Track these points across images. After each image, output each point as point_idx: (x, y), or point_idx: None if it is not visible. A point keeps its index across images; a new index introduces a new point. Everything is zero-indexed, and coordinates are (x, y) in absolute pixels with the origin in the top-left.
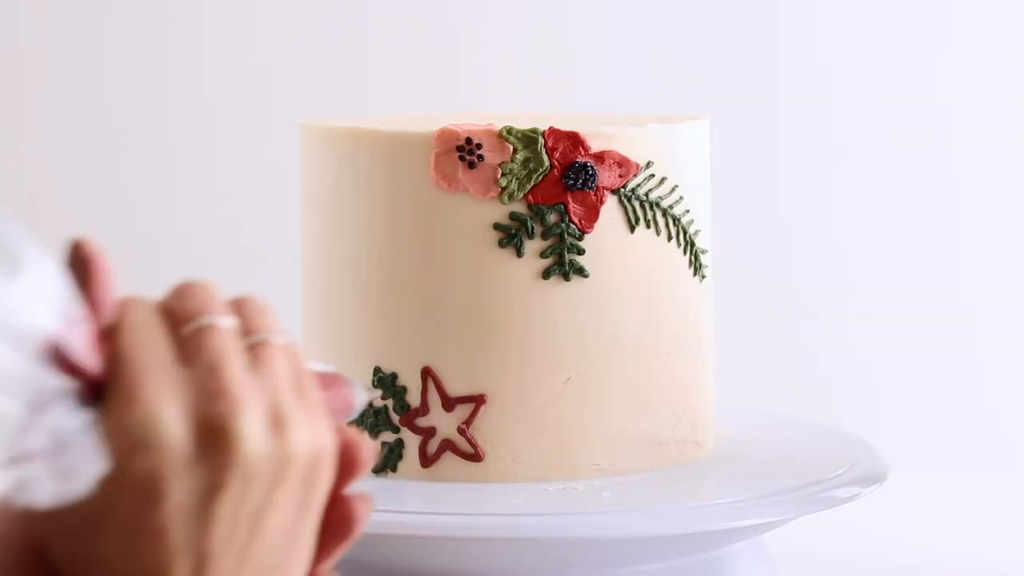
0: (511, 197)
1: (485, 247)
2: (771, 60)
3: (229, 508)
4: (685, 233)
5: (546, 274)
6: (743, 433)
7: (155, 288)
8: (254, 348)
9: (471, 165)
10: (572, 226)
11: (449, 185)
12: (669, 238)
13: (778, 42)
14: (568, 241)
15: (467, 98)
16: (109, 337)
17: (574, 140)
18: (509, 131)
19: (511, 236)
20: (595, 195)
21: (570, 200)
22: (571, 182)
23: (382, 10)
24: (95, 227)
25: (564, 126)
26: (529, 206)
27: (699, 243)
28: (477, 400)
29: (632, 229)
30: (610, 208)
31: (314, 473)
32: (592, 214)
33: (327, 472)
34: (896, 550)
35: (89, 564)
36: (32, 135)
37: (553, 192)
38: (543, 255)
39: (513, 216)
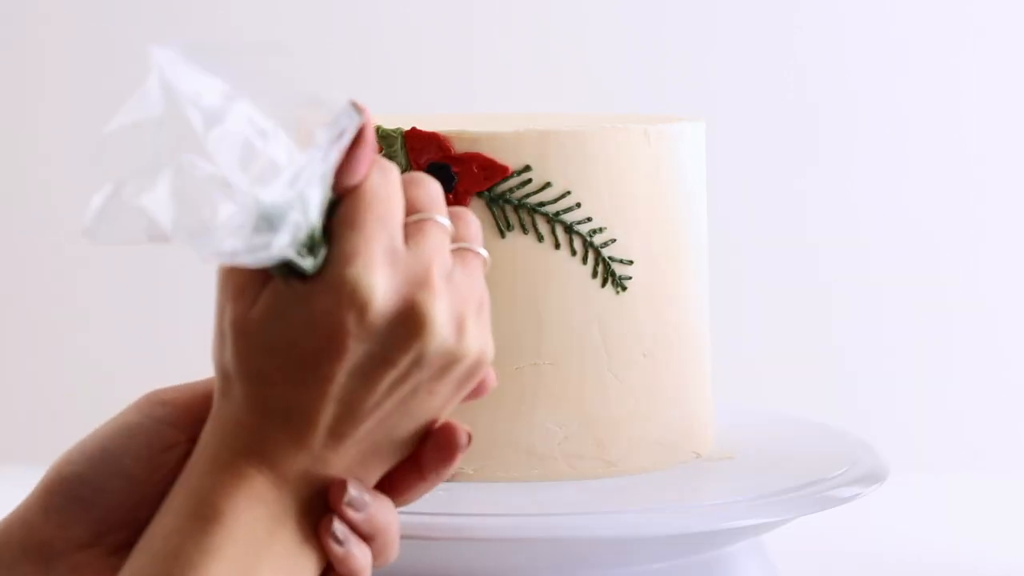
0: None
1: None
2: (772, 60)
3: (391, 381)
4: (584, 242)
5: None
6: (743, 433)
7: (156, 282)
8: (460, 252)
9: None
10: None
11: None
12: (557, 246)
13: (778, 43)
14: None
15: (466, 99)
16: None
17: (434, 141)
18: (376, 130)
19: None
20: (454, 197)
21: None
22: None
23: (386, 10)
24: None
25: (471, 128)
26: None
27: (610, 253)
28: None
29: (503, 234)
30: (477, 212)
31: (469, 378)
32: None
33: (479, 376)
34: (896, 550)
35: (254, 380)
36: (30, 135)
37: None
38: None
39: None
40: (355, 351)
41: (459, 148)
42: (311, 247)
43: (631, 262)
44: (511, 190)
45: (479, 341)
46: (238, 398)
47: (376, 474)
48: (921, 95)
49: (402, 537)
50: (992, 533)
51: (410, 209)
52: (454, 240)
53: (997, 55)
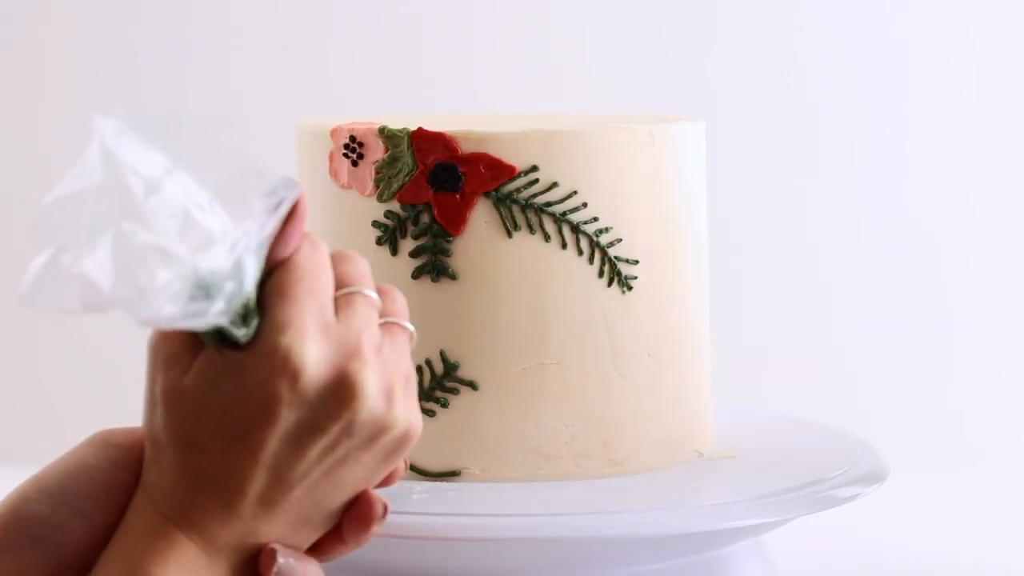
0: (383, 196)
1: (369, 244)
2: (771, 60)
3: (321, 449)
4: (591, 241)
5: (416, 274)
6: (743, 433)
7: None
8: (388, 326)
9: (354, 163)
10: (438, 227)
11: (339, 181)
12: (564, 245)
13: (778, 43)
14: (435, 242)
15: (469, 99)
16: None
17: (441, 141)
18: (382, 130)
19: (386, 234)
20: (460, 197)
21: (435, 201)
22: (436, 183)
23: (388, 10)
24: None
25: (475, 128)
26: (402, 206)
27: (616, 253)
28: None
29: (510, 234)
30: (484, 212)
31: (397, 448)
32: (457, 216)
33: (404, 451)
34: (896, 550)
35: (185, 447)
36: (29, 135)
37: (419, 193)
38: (412, 254)
39: (388, 214)
40: (287, 418)
41: (466, 148)
42: (244, 316)
43: (636, 262)
44: (518, 190)
45: (407, 412)
46: (169, 465)
47: (306, 542)
48: (921, 95)
49: (404, 537)
50: (992, 533)
51: (339, 283)
52: (381, 315)
53: (997, 54)
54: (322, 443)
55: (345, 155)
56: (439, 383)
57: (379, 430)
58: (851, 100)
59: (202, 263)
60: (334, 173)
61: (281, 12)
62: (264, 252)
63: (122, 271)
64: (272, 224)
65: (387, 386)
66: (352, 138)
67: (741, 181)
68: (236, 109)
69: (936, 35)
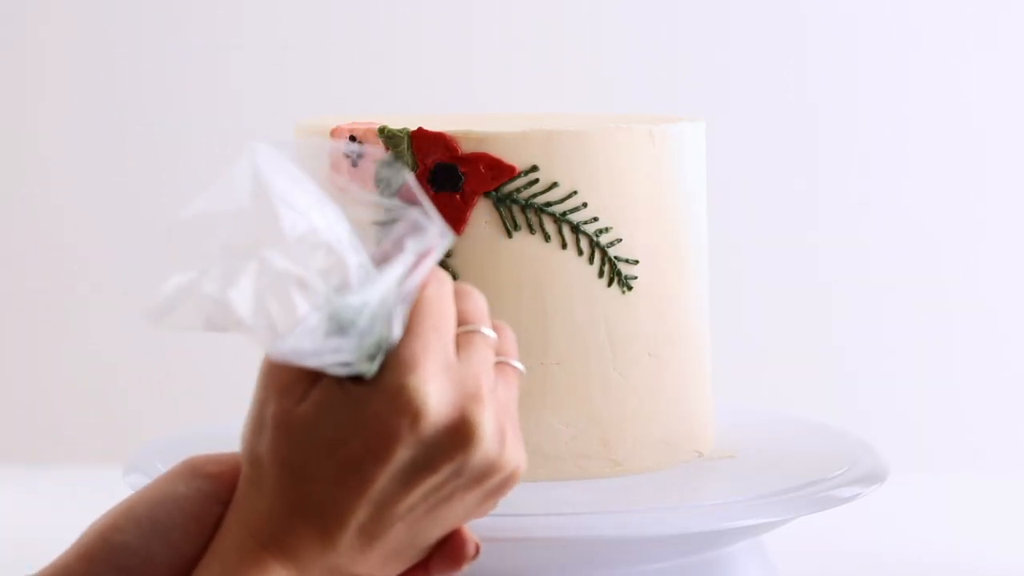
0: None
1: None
2: (772, 61)
3: (429, 488)
4: (591, 241)
5: None
6: (743, 433)
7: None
8: (501, 367)
9: (354, 163)
10: None
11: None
12: (564, 245)
13: (778, 43)
14: None
15: (468, 99)
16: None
17: (441, 141)
18: (382, 130)
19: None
20: (461, 197)
21: (435, 201)
22: (436, 183)
23: (388, 10)
24: (94, 224)
25: (479, 128)
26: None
27: (616, 253)
28: None
29: (510, 234)
30: (484, 212)
31: (500, 489)
32: (458, 216)
33: (505, 494)
34: (896, 550)
35: (291, 473)
36: (29, 135)
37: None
38: None
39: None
40: (402, 457)
41: (466, 148)
42: (374, 354)
43: (636, 262)
44: (518, 190)
45: (515, 453)
46: (270, 488)
47: (393, 574)
48: (922, 95)
49: None
50: (992, 533)
51: (459, 320)
52: (496, 353)
53: (998, 55)
54: (431, 482)
55: (346, 155)
56: None
57: (489, 472)
58: (851, 100)
59: (342, 300)
60: (335, 173)
61: (281, 12)
62: (413, 298)
63: (261, 301)
64: (421, 274)
65: (501, 428)
66: (352, 138)
67: (741, 181)
68: (236, 109)
69: (937, 35)
